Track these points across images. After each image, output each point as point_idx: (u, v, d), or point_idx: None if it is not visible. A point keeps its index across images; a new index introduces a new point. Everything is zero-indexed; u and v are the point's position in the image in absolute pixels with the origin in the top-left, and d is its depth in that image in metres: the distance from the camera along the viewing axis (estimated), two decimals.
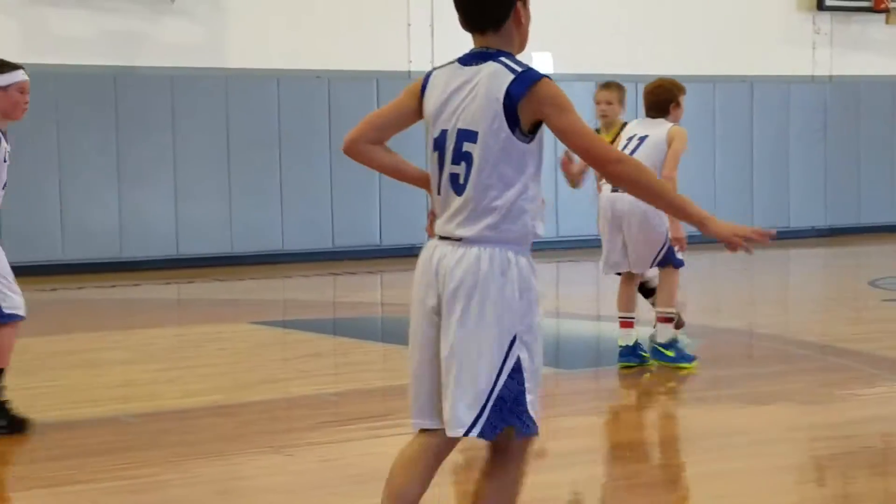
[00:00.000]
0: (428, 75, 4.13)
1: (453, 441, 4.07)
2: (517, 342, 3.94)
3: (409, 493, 4.11)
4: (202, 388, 8.47)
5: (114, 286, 14.78)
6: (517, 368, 3.95)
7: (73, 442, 6.99)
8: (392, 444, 6.87)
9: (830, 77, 21.63)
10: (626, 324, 8.90)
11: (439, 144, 4.03)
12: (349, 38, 17.99)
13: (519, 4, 4.03)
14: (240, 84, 17.11)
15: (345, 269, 16.80)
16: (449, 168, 4.00)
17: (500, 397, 3.93)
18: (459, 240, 3.98)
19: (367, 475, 6.19)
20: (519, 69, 3.91)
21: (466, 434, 3.94)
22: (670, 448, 7.06)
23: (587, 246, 19.22)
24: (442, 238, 4.06)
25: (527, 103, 3.87)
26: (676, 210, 4.01)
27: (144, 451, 6.70)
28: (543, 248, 19.14)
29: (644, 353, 8.93)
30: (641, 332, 9.01)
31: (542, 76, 3.90)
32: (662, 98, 8.84)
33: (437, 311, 4.01)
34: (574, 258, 18.28)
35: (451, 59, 4.10)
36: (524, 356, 3.96)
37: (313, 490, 5.98)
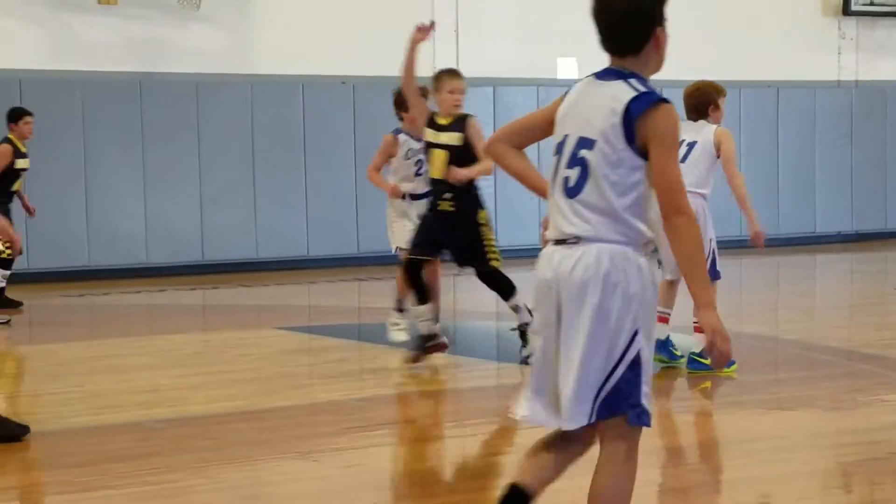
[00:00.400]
0: (570, 87, 4.30)
1: (589, 439, 4.19)
2: (639, 336, 4.05)
3: (540, 476, 4.24)
4: (227, 394, 8.49)
5: (139, 292, 14.83)
6: (636, 361, 4.05)
7: (99, 447, 7.01)
8: (417, 450, 6.90)
9: (856, 82, 21.56)
10: (662, 319, 8.93)
11: (559, 149, 4.18)
12: (374, 44, 18.01)
13: (658, 29, 4.18)
14: (265, 90, 17.16)
15: (370, 274, 16.81)
16: (563, 172, 4.14)
17: (616, 388, 4.04)
18: (576, 241, 4.07)
19: (391, 481, 6.20)
20: (643, 89, 4.05)
21: (579, 425, 4.07)
22: (695, 454, 7.05)
23: None
24: (557, 242, 4.15)
25: (642, 122, 4.00)
26: (692, 279, 4.06)
27: (170, 457, 6.72)
28: None
29: (675, 350, 8.95)
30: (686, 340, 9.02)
31: (662, 100, 4.03)
32: (701, 100, 9.00)
33: (559, 312, 4.10)
34: None
35: (589, 73, 4.27)
36: (644, 350, 4.07)
37: (339, 496, 5.99)
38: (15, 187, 13.05)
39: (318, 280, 16.30)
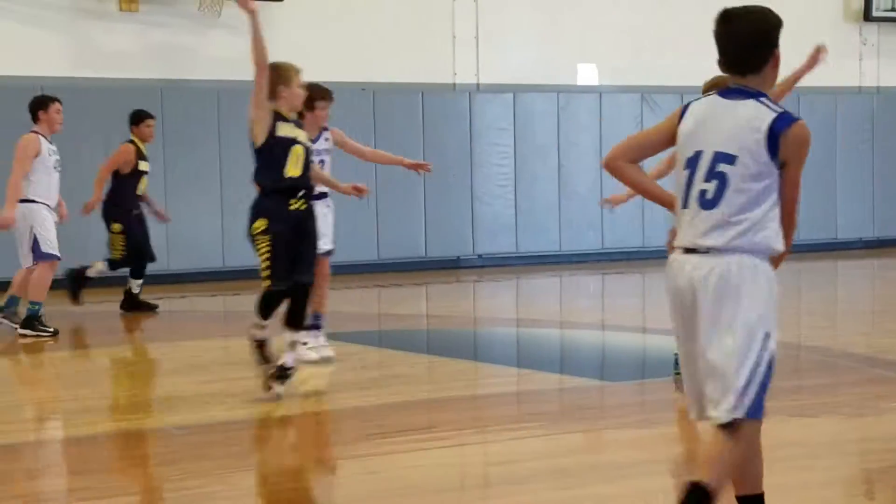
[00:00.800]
0: (687, 104, 4.66)
1: (758, 426, 4.56)
2: (770, 338, 4.49)
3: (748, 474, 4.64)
4: (248, 401, 8.48)
5: (160, 298, 14.85)
6: (772, 361, 4.51)
7: (121, 453, 7.03)
8: (437, 456, 6.89)
9: (878, 88, 21.49)
10: None
11: (691, 163, 4.54)
12: (394, 51, 18.04)
13: (776, 50, 4.61)
14: None
15: (390, 281, 16.82)
16: (699, 185, 4.50)
17: (761, 388, 4.48)
18: (707, 251, 4.47)
19: (412, 487, 6.19)
20: (780, 110, 4.48)
21: (730, 419, 4.44)
22: None
23: (632, 258, 19.20)
24: (688, 251, 4.53)
25: (785, 139, 4.43)
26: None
27: (191, 463, 6.72)
28: (588, 261, 19.12)
29: None
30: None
31: (799, 119, 4.46)
32: None
33: (695, 318, 4.49)
34: (620, 270, 18.24)
35: (711, 94, 4.66)
36: (774, 351, 4.51)
37: (360, 502, 5.98)
38: (140, 191, 13.26)
39: (339, 286, 16.30)
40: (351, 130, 17.59)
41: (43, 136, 11.92)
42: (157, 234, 16.46)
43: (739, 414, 4.43)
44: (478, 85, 18.71)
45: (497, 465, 6.81)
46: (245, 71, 17.08)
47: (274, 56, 18.35)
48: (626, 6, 19.58)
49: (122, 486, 6.26)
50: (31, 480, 6.53)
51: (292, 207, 8.47)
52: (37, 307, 11.64)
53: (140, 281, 13.50)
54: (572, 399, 8.73)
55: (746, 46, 4.56)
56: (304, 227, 8.54)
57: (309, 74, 17.61)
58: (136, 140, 13.27)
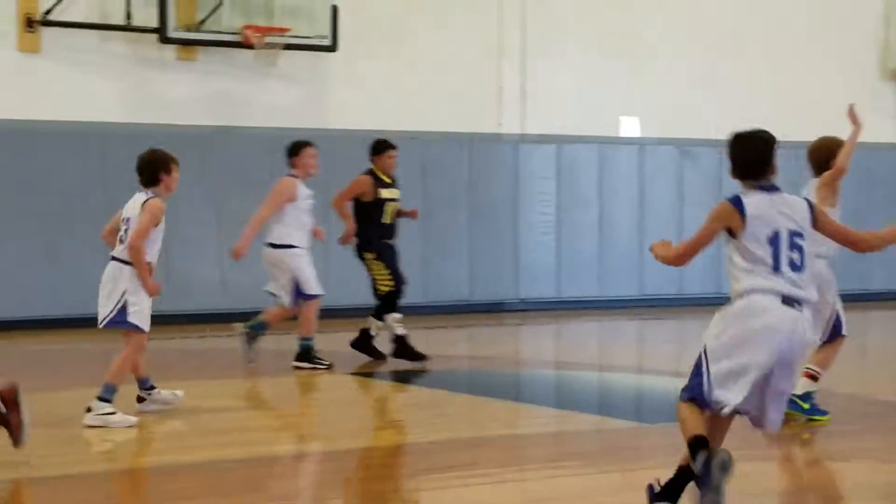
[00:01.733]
0: (739, 201, 5.92)
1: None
2: None
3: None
4: (299, 437, 8.68)
5: (215, 336, 15.01)
6: None
7: (173, 486, 7.14)
8: (479, 493, 7.04)
9: None
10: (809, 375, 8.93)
11: (773, 240, 5.84)
12: (443, 101, 18.37)
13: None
14: (337, 144, 17.51)
15: (435, 323, 17.00)
16: (788, 254, 5.83)
17: None
18: (800, 304, 5.84)
19: None
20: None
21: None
22: None
23: (670, 304, 19.39)
24: (787, 301, 5.81)
25: (815, 209, 6.05)
26: None
27: (241, 497, 6.86)
28: (627, 307, 19.29)
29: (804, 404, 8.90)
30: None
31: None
32: (823, 156, 8.98)
33: (780, 355, 5.81)
34: (657, 316, 18.40)
35: (756, 191, 6.00)
36: None
37: None
38: (386, 219, 13.23)
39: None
40: (401, 177, 17.96)
41: (300, 179, 12.20)
42: (210, 274, 16.77)
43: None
44: (522, 135, 19.06)
45: (536, 502, 6.95)
46: (299, 119, 17.58)
47: (326, 104, 18.65)
48: (668, 61, 19.89)
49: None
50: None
51: None
52: (309, 341, 12.15)
53: (381, 323, 13.19)
54: (610, 440, 8.86)
55: (766, 160, 6.00)
56: None
57: (362, 123, 18.11)
58: (375, 170, 13.24)
